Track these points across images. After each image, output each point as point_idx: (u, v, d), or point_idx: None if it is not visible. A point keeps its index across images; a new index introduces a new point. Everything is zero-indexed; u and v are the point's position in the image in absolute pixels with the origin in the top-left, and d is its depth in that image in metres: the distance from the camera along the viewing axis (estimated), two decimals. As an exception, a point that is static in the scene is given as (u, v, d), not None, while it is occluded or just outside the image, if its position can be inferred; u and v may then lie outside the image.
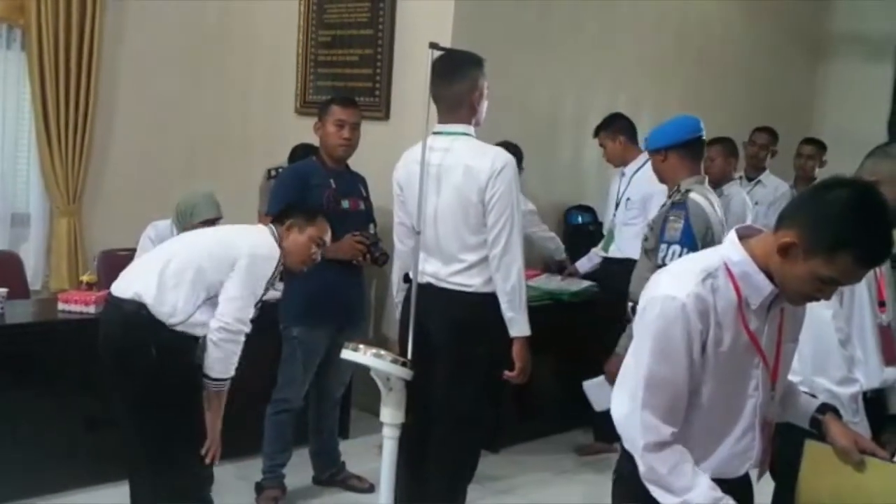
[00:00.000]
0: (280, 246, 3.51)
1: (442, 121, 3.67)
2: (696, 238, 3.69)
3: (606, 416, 2.27)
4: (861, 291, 2.94)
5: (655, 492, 2.12)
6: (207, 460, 3.36)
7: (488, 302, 3.60)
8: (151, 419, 3.30)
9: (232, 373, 3.35)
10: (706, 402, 2.14)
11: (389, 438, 3.40)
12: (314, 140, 4.57)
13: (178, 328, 3.29)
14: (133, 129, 6.31)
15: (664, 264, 3.54)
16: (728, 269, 2.12)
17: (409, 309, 3.62)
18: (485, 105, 3.69)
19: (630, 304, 3.84)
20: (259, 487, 4.42)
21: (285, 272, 3.63)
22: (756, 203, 5.78)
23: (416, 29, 5.42)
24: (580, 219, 6.34)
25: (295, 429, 4.44)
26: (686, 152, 3.90)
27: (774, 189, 6.22)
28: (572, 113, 6.33)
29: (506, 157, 3.58)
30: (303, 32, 6.14)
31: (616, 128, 5.34)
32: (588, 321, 5.18)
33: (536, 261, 5.80)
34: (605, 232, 5.50)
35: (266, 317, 4.31)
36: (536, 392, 5.07)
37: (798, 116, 7.91)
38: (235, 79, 6.57)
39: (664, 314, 2.07)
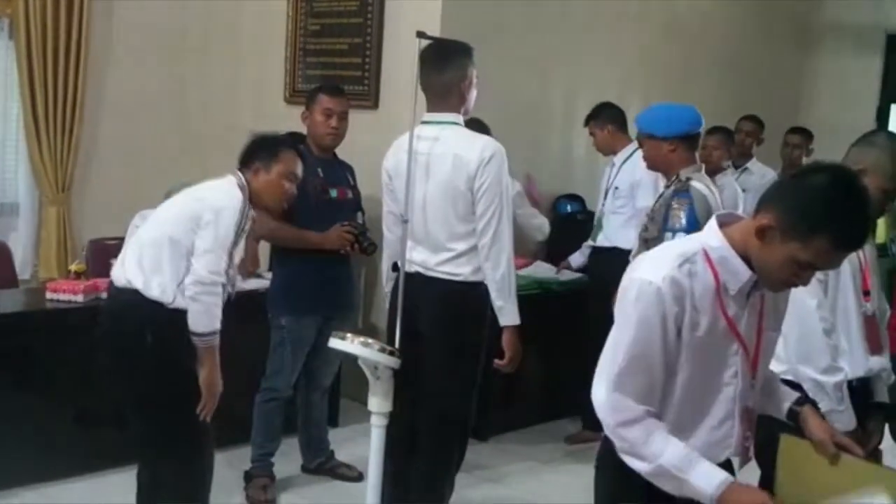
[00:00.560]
0: (251, 191, 3.47)
1: (431, 110, 3.67)
2: (701, 225, 3.70)
3: (595, 405, 2.29)
4: (846, 281, 2.96)
5: (630, 462, 2.14)
6: (201, 417, 3.36)
7: (477, 291, 3.61)
8: (157, 409, 3.33)
9: (217, 325, 3.32)
10: (683, 386, 2.16)
11: (377, 427, 3.40)
12: (303, 129, 4.57)
13: (177, 304, 3.30)
14: (121, 118, 6.28)
15: None
16: (707, 255, 2.13)
17: (398, 298, 3.63)
18: (474, 94, 3.70)
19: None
20: (248, 476, 4.43)
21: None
22: (744, 190, 5.80)
23: (405, 18, 5.42)
24: (569, 208, 6.34)
25: (284, 417, 4.45)
26: (690, 143, 3.95)
27: (761, 176, 6.25)
28: (561, 102, 6.33)
29: (495, 145, 3.59)
30: (292, 21, 6.13)
31: (605, 117, 5.34)
32: (577, 310, 5.18)
33: (526, 250, 5.80)
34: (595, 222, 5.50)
35: (254, 306, 4.34)
36: (526, 381, 5.09)
37: (787, 106, 7.90)
38: (224, 68, 6.55)
39: (639, 297, 2.10)
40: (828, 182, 2.04)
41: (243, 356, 4.00)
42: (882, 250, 5.72)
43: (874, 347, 3.08)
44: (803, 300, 2.77)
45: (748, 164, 6.37)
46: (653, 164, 4.06)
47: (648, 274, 2.11)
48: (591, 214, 5.70)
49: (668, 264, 2.11)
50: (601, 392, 2.16)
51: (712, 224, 2.19)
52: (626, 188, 5.15)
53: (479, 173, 3.52)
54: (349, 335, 3.33)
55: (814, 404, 2.40)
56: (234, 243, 3.37)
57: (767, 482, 2.50)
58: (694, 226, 3.69)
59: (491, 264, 3.57)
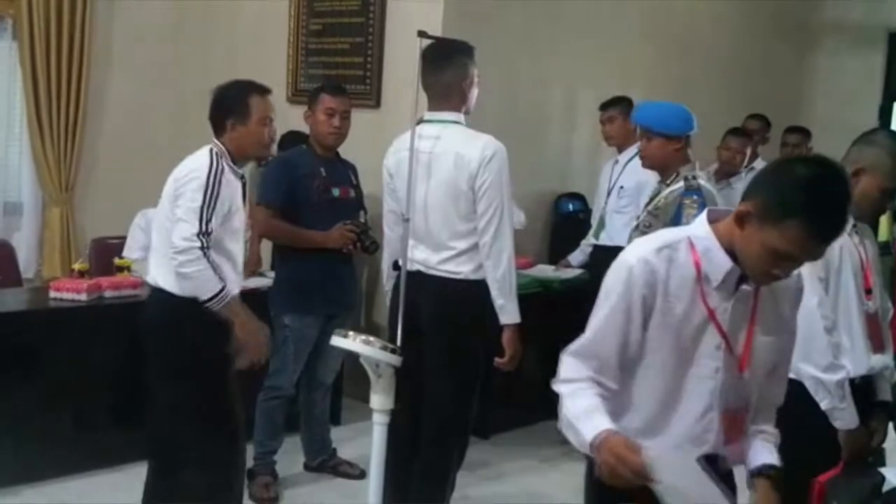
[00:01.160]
0: (233, 147, 3.52)
1: (432, 109, 3.68)
2: None
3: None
4: (847, 279, 2.96)
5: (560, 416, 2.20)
6: (249, 365, 3.45)
7: (478, 289, 3.62)
8: (193, 410, 3.41)
9: (218, 286, 3.34)
10: (657, 369, 2.17)
11: (379, 425, 3.41)
12: (305, 128, 4.58)
13: None
14: (124, 118, 6.30)
15: None
16: (691, 244, 2.15)
17: (399, 296, 3.64)
18: (475, 93, 3.70)
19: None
20: (251, 474, 4.43)
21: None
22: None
23: (407, 17, 5.42)
24: (570, 206, 6.33)
25: (286, 416, 4.47)
26: (689, 142, 3.93)
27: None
28: (561, 101, 6.34)
29: (496, 145, 3.60)
30: (294, 20, 6.14)
31: (629, 108, 5.18)
32: (578, 309, 5.15)
33: (528, 250, 5.81)
34: (593, 220, 5.49)
35: (257, 304, 4.35)
36: (526, 379, 5.08)
37: (787, 105, 7.87)
38: (227, 68, 6.53)
39: (613, 273, 2.18)
40: (808, 171, 2.04)
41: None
42: (885, 248, 5.72)
43: (877, 345, 3.08)
44: (804, 298, 2.76)
45: (754, 164, 6.28)
46: (654, 162, 3.97)
47: (627, 254, 2.18)
48: (592, 213, 5.70)
49: (648, 248, 2.16)
50: (565, 355, 2.26)
51: (702, 217, 2.22)
52: (632, 187, 5.09)
53: (481, 172, 3.53)
54: (351, 333, 3.35)
55: (774, 476, 2.25)
56: (210, 207, 3.36)
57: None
58: None
59: (492, 263, 3.58)
